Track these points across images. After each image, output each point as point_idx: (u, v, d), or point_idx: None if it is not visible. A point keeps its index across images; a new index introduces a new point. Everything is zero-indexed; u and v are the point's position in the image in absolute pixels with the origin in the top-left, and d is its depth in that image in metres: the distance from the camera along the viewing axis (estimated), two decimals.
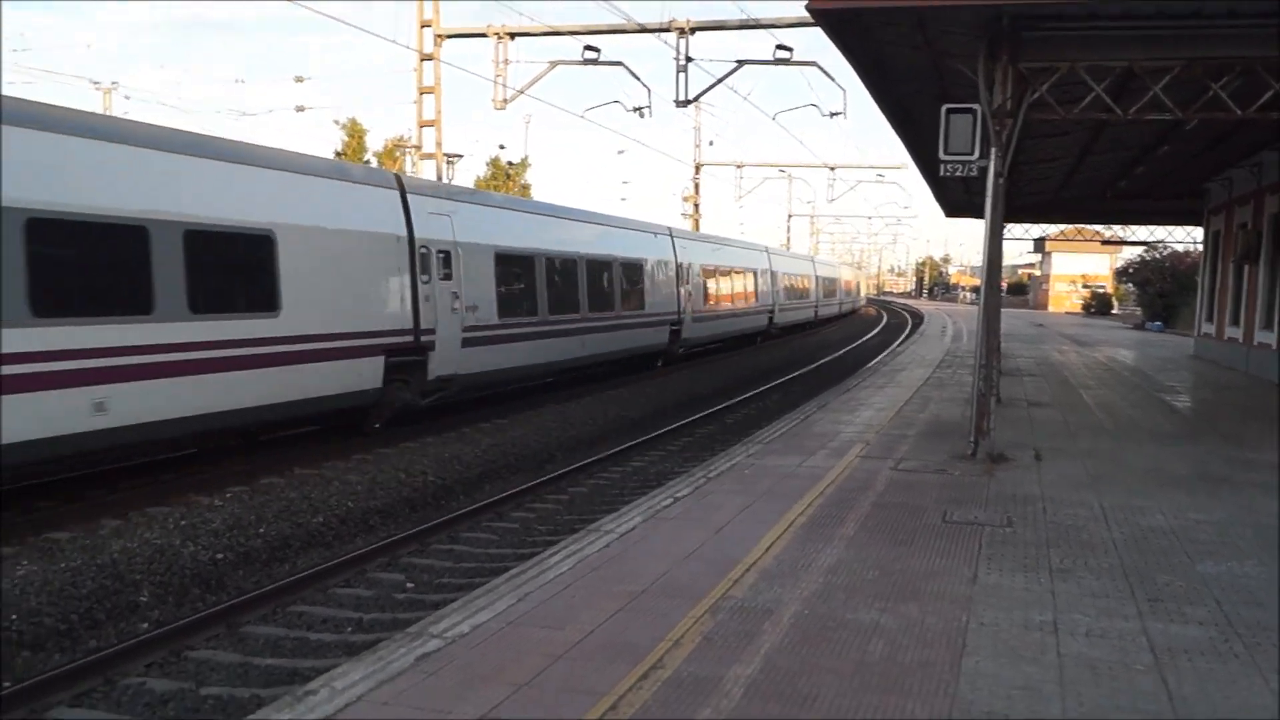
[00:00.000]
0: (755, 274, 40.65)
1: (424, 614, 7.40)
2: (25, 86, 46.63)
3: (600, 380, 25.10)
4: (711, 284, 34.18)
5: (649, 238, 29.23)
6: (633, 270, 27.26)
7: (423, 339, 16.91)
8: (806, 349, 40.97)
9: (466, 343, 18.18)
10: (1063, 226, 45.26)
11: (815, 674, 5.84)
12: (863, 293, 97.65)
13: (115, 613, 9.01)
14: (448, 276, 17.63)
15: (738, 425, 20.12)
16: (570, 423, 19.14)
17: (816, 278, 56.55)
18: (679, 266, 30.74)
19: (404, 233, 16.61)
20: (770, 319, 42.98)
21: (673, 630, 6.55)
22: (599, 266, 24.94)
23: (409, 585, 10.18)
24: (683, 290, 30.74)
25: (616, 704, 5.43)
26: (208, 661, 8.11)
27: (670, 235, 30.84)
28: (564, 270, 23.03)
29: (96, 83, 41.24)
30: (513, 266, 20.33)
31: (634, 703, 5.45)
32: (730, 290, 36.81)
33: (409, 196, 16.98)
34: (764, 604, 7.08)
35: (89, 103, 44.91)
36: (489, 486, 14.55)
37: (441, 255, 17.51)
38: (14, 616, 8.43)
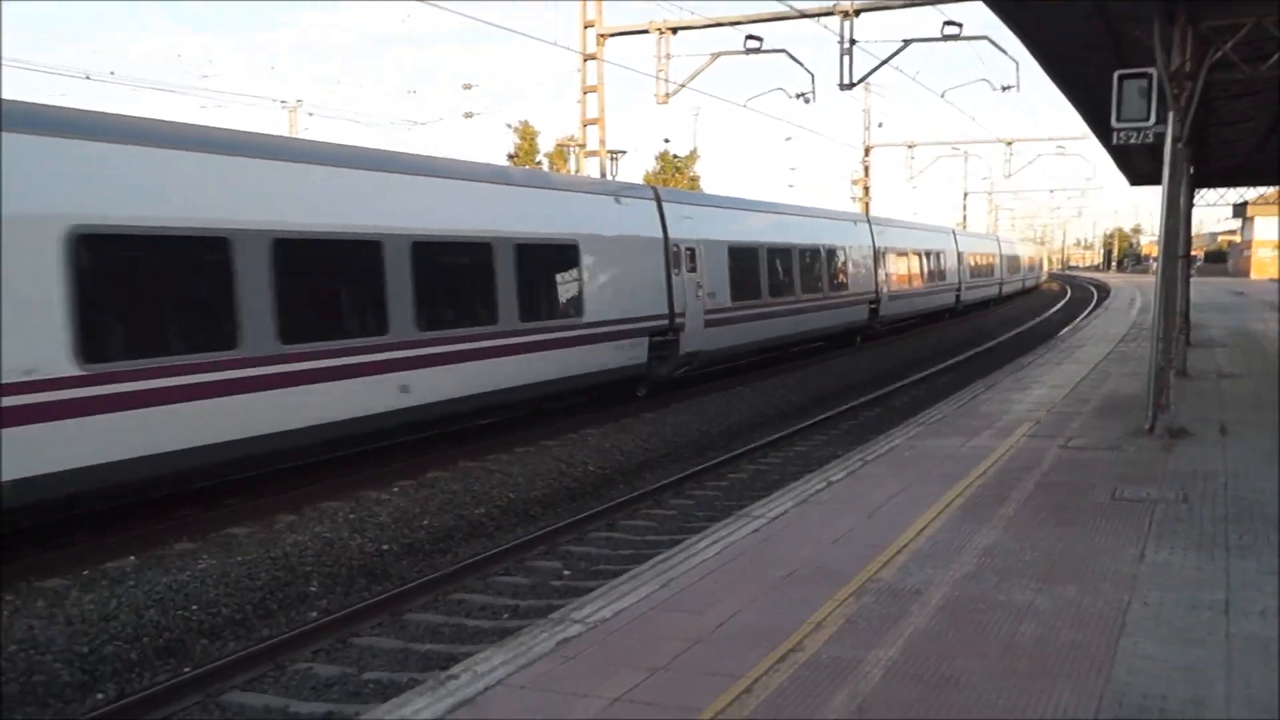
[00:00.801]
0: (843, 253, 29.98)
1: (577, 600, 7.46)
2: (216, 110, 49.43)
3: (760, 366, 24.74)
4: (742, 270, 23.31)
5: (598, 203, 18.84)
6: (552, 256, 16.90)
7: None
8: (983, 327, 39.65)
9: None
10: (1265, 190, 42.42)
11: (959, 657, 5.63)
12: (1043, 268, 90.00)
13: (286, 602, 9.43)
14: None
15: (904, 408, 19.64)
16: (732, 409, 19.05)
17: (960, 254, 45.66)
18: (670, 246, 20.15)
19: None
20: (874, 310, 32.22)
21: (815, 613, 6.43)
22: (462, 252, 14.80)
23: (566, 573, 10.31)
24: (678, 280, 20.20)
25: (752, 686, 5.36)
26: (370, 648, 8.39)
27: (655, 199, 20.52)
28: (363, 261, 13.04)
29: (283, 102, 43.21)
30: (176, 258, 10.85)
31: (769, 685, 5.37)
32: (782, 277, 25.68)
33: None
34: (912, 586, 6.88)
35: (277, 122, 47.26)
36: (649, 475, 14.61)
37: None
38: (194, 607, 8.92)
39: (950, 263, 43.66)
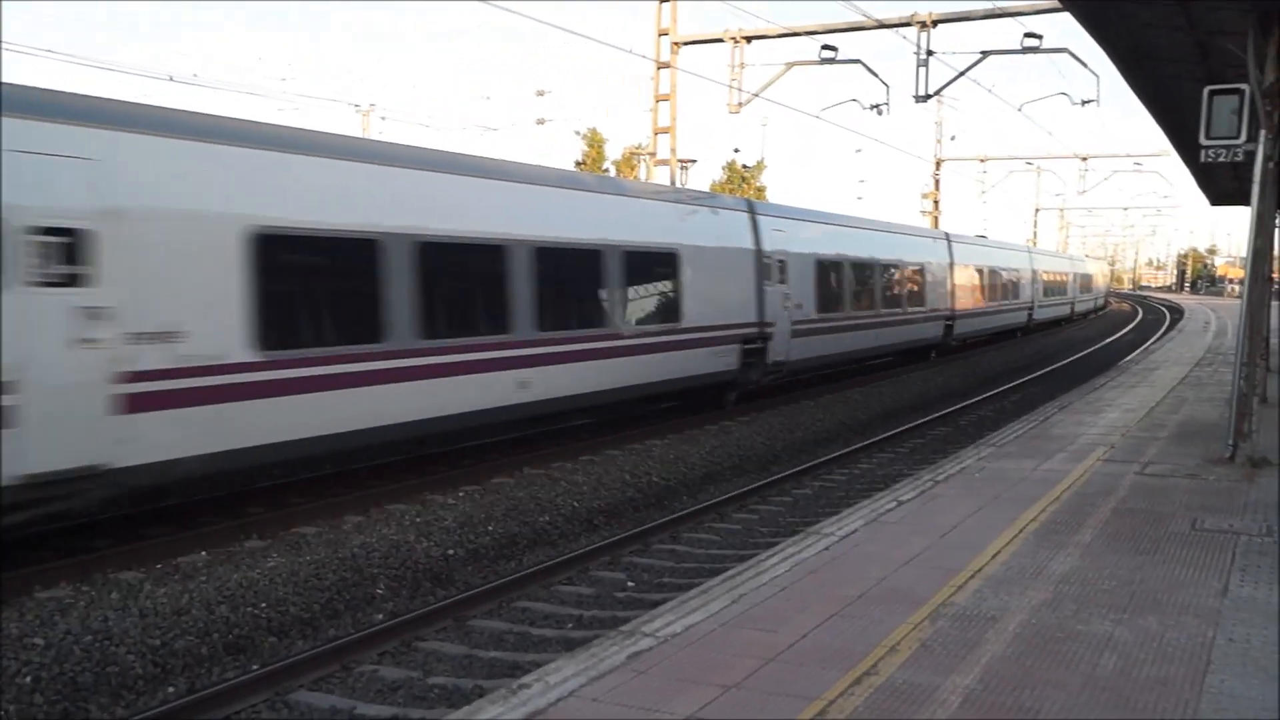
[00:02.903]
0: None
1: (642, 613, 7.43)
2: (294, 112, 50.23)
3: (828, 381, 24.63)
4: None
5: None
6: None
7: None
8: (1051, 347, 39.05)
9: None
10: None
11: (1039, 687, 5.51)
12: (1098, 286, 76.54)
13: (353, 603, 9.49)
14: None
15: (972, 427, 19.39)
16: (796, 424, 18.90)
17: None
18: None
19: None
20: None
21: (889, 636, 6.33)
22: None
23: (629, 584, 10.28)
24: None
25: (826, 709, 5.28)
26: (435, 652, 8.42)
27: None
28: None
29: (356, 105, 43.84)
30: None
31: (844, 708, 5.29)
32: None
33: None
34: (987, 612, 6.75)
35: (350, 125, 47.97)
36: (713, 487, 14.54)
37: None
38: (263, 605, 9.01)
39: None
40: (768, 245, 20.31)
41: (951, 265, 32.92)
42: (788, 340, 20.74)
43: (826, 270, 23.20)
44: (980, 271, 36.39)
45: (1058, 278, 52.05)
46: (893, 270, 27.86)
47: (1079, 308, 60.40)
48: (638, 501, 13.48)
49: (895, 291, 27.95)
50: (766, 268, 20.13)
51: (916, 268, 29.61)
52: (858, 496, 12.88)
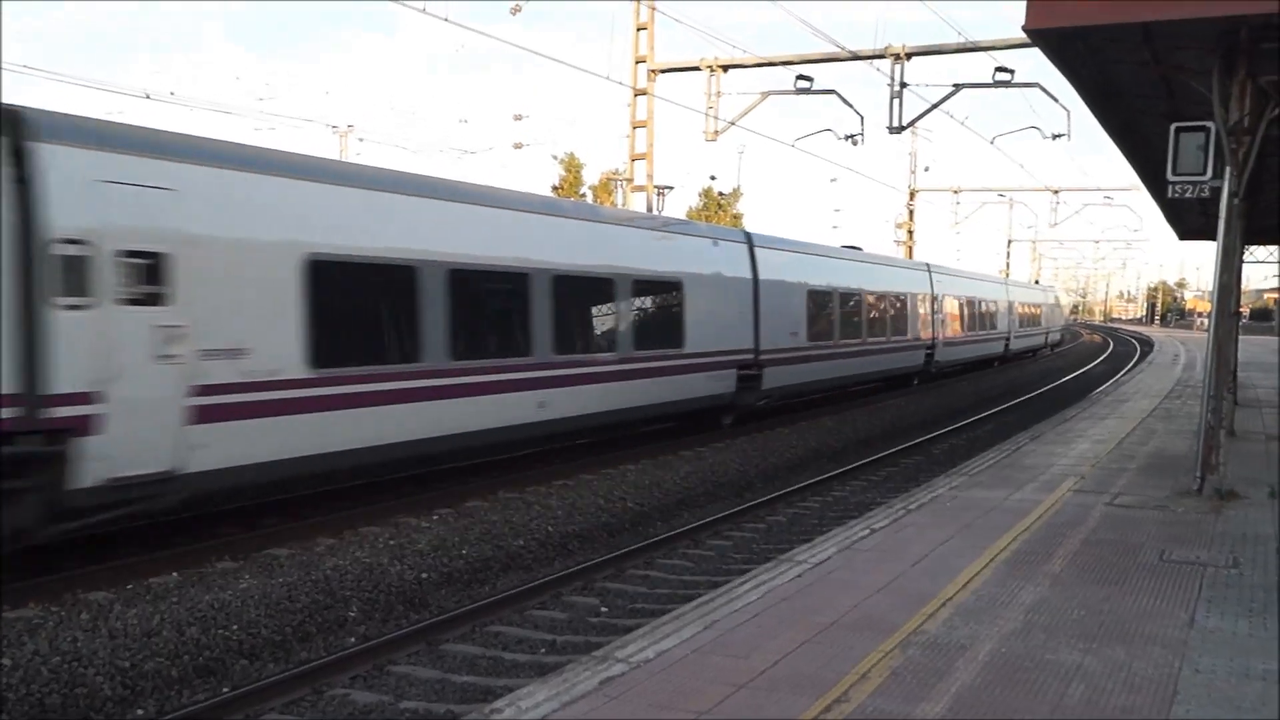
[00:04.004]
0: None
1: (615, 638, 7.45)
2: (270, 132, 50.08)
3: (804, 409, 24.73)
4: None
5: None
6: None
7: None
8: (1024, 378, 39.32)
9: None
10: None
11: (1008, 716, 5.55)
12: (1051, 320, 62.78)
13: (325, 626, 9.45)
14: None
15: (944, 456, 19.52)
16: (770, 451, 18.97)
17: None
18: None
19: None
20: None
21: (860, 664, 6.37)
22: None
23: (603, 610, 10.28)
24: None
25: None
26: (408, 676, 8.39)
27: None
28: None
29: (334, 126, 43.80)
30: None
31: None
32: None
33: None
34: (958, 640, 6.81)
35: (328, 146, 47.91)
36: (687, 513, 14.58)
37: None
38: (235, 626, 8.96)
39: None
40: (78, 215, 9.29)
41: (756, 283, 21.96)
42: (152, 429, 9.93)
43: (354, 280, 12.25)
44: (825, 295, 25.55)
45: (983, 308, 40.66)
46: (610, 287, 17.12)
47: (1017, 345, 47.89)
48: (612, 526, 13.49)
49: (611, 321, 17.29)
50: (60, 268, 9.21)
51: (667, 284, 18.83)
52: (831, 524, 12.92)
